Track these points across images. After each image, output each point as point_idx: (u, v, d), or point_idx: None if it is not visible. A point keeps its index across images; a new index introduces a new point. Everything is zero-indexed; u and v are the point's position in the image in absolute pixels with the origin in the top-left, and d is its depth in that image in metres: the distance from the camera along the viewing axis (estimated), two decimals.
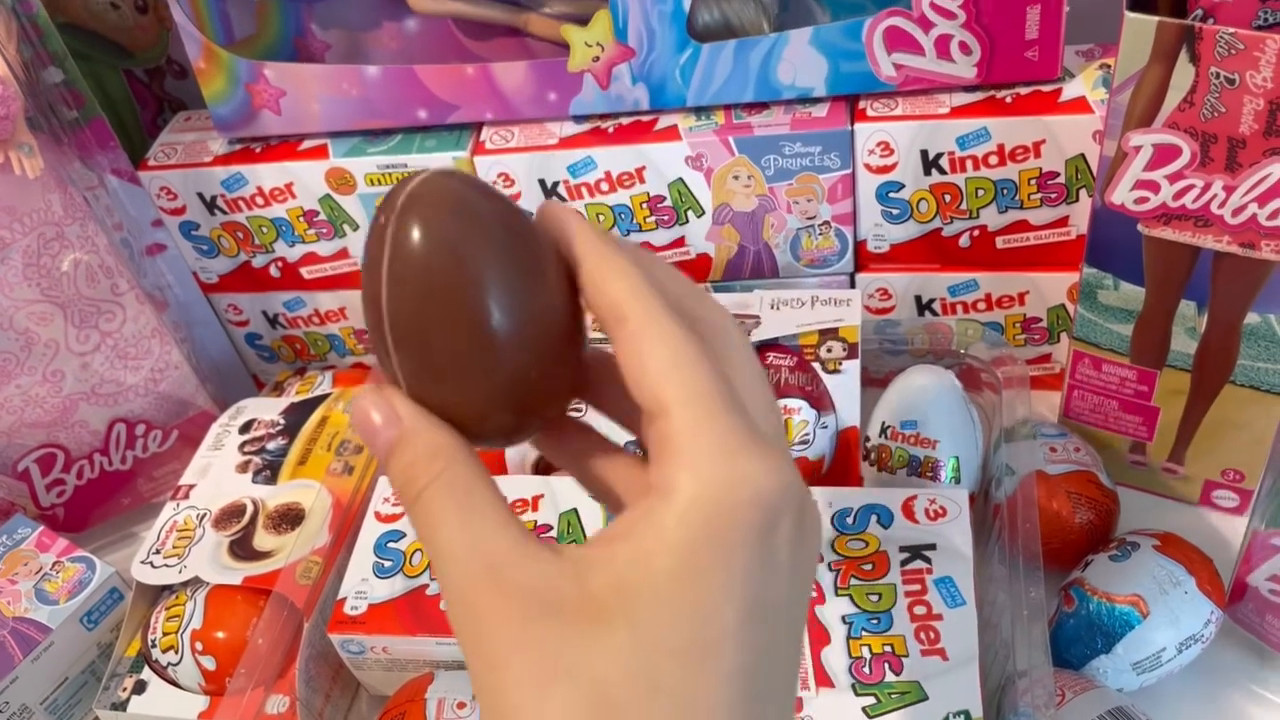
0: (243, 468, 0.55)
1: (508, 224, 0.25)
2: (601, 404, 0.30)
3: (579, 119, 0.55)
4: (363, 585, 0.47)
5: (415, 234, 0.24)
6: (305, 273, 0.61)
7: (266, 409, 0.59)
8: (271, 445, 0.56)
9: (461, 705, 0.44)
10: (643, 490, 0.27)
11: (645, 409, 0.25)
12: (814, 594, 0.43)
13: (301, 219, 0.58)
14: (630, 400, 0.27)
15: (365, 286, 0.25)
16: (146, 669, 0.50)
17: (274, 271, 0.61)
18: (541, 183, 0.55)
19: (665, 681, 0.23)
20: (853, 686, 0.41)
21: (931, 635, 0.42)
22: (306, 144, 0.57)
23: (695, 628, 0.23)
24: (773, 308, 0.54)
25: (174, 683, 0.49)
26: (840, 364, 0.52)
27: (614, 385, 0.28)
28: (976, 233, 0.54)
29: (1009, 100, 0.51)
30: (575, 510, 0.48)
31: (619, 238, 0.28)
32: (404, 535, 0.49)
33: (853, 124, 0.52)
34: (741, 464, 0.24)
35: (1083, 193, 0.52)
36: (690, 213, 0.56)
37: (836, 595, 0.44)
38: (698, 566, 0.23)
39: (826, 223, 0.55)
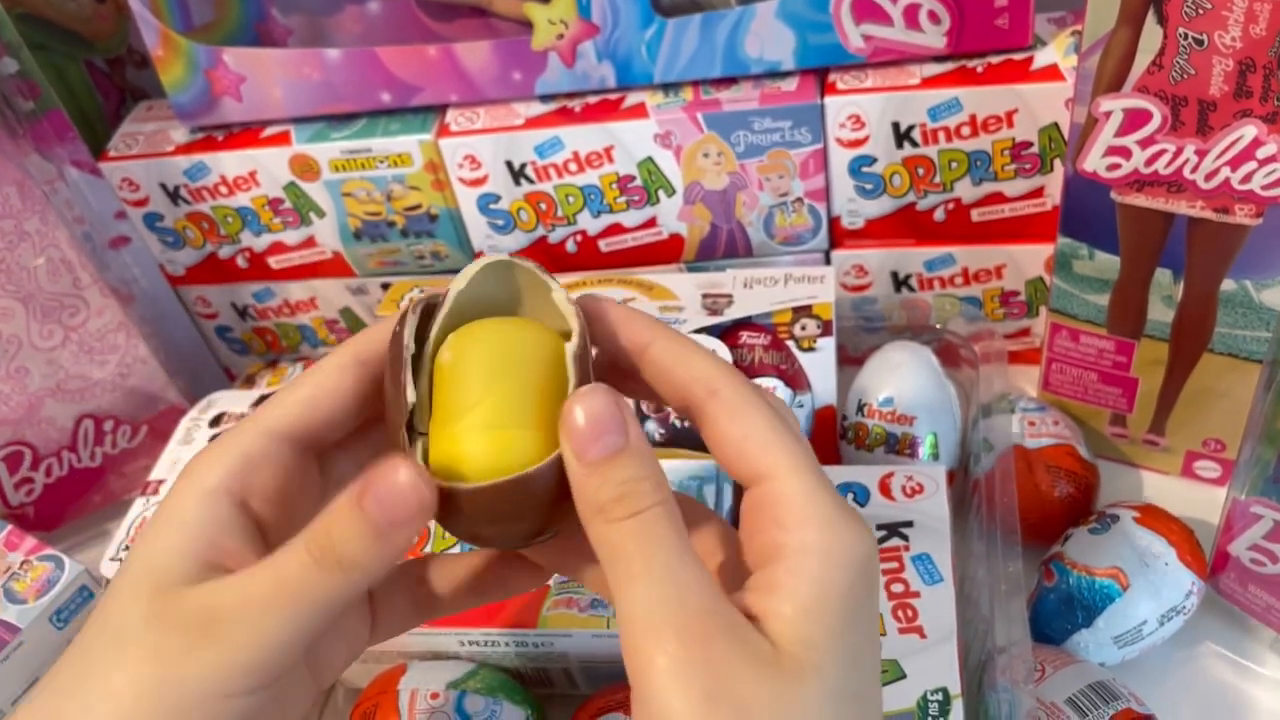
0: None
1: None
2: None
3: (545, 99, 0.54)
4: None
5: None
6: (273, 262, 0.60)
7: (237, 402, 0.58)
8: None
9: (434, 695, 0.44)
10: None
11: (744, 474, 0.27)
12: None
13: (267, 207, 0.57)
14: None
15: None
16: None
17: (241, 262, 0.60)
18: (509, 164, 0.54)
19: None
20: None
21: (909, 613, 0.41)
22: (269, 130, 0.56)
23: (859, 674, 0.26)
24: (745, 286, 0.53)
25: None
26: (815, 342, 0.51)
27: None
28: (951, 206, 0.54)
29: (980, 70, 0.50)
30: None
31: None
32: None
33: (822, 97, 0.51)
34: (854, 526, 0.26)
35: (1057, 162, 0.51)
36: (661, 192, 0.55)
37: None
38: (853, 617, 0.26)
39: (799, 199, 0.54)
